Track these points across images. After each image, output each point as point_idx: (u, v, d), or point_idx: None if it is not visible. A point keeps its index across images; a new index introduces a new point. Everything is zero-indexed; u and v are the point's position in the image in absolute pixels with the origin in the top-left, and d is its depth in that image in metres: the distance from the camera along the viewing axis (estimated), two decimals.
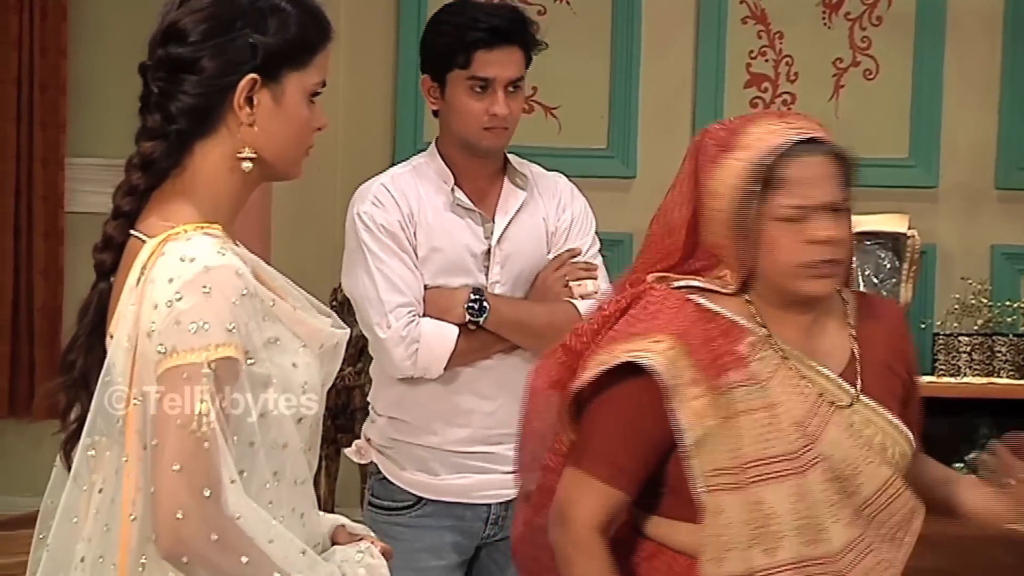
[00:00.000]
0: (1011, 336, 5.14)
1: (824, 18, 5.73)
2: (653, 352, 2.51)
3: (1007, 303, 5.34)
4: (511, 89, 3.32)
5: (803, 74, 5.75)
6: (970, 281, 5.38)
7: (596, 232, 3.49)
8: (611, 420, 2.57)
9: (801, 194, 2.51)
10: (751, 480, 2.52)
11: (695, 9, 5.74)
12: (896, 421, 2.58)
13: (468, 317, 3.29)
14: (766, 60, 5.76)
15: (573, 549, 2.57)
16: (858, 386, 2.58)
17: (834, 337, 2.62)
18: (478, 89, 3.30)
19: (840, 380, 2.57)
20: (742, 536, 2.53)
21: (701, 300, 2.58)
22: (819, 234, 2.51)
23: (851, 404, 2.56)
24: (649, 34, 5.76)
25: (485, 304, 3.30)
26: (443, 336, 3.29)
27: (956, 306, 5.30)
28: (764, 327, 2.58)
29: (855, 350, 2.61)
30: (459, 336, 3.29)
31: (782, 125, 2.56)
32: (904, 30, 5.71)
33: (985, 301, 5.32)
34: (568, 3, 5.76)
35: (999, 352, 5.13)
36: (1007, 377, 5.11)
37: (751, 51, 5.76)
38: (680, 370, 2.51)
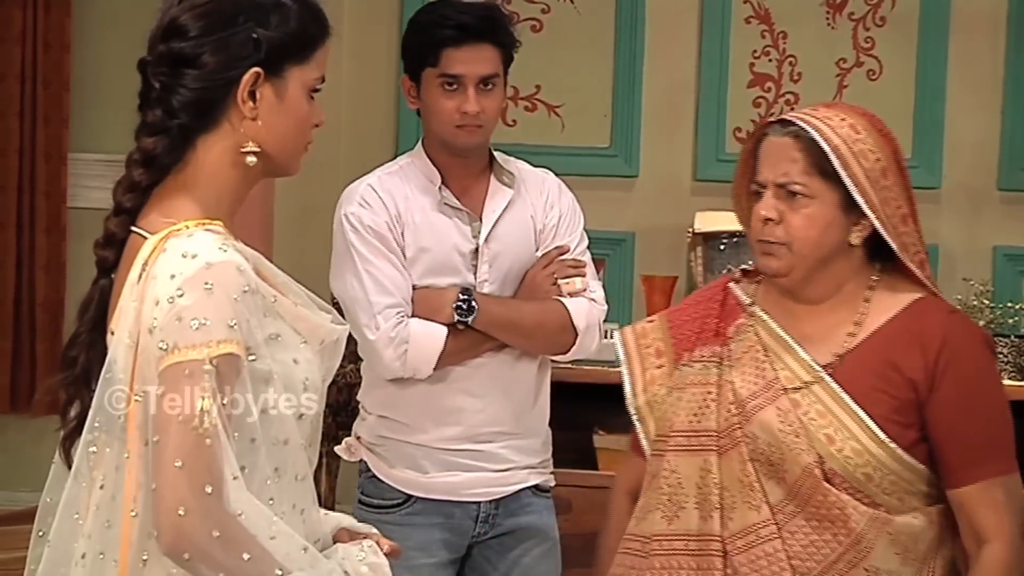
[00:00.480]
0: (1012, 337, 5.12)
1: (828, 18, 5.72)
2: (631, 326, 2.78)
3: (1009, 304, 5.32)
4: (485, 87, 3.31)
5: (806, 74, 5.74)
6: (972, 282, 5.37)
7: (584, 228, 3.48)
8: None
9: (760, 171, 2.60)
10: (671, 448, 2.61)
11: (699, 8, 5.73)
12: (863, 416, 2.52)
13: (457, 317, 3.29)
14: (769, 60, 5.75)
15: (608, 507, 2.85)
16: (828, 374, 2.56)
17: (831, 329, 2.61)
18: (448, 87, 3.30)
19: (815, 366, 2.57)
20: (655, 500, 2.62)
21: (731, 284, 2.71)
22: (758, 212, 2.58)
23: (800, 388, 2.55)
24: (653, 33, 5.75)
25: (474, 304, 3.29)
26: (432, 336, 3.28)
27: (958, 307, 5.29)
28: (759, 308, 2.64)
29: (849, 344, 2.59)
30: (448, 336, 3.29)
31: (801, 111, 2.65)
32: (908, 31, 5.70)
33: (987, 302, 5.30)
34: (572, 2, 5.76)
35: (1000, 353, 5.09)
36: (1008, 378, 5.08)
37: (755, 51, 5.75)
38: (649, 341, 2.72)
